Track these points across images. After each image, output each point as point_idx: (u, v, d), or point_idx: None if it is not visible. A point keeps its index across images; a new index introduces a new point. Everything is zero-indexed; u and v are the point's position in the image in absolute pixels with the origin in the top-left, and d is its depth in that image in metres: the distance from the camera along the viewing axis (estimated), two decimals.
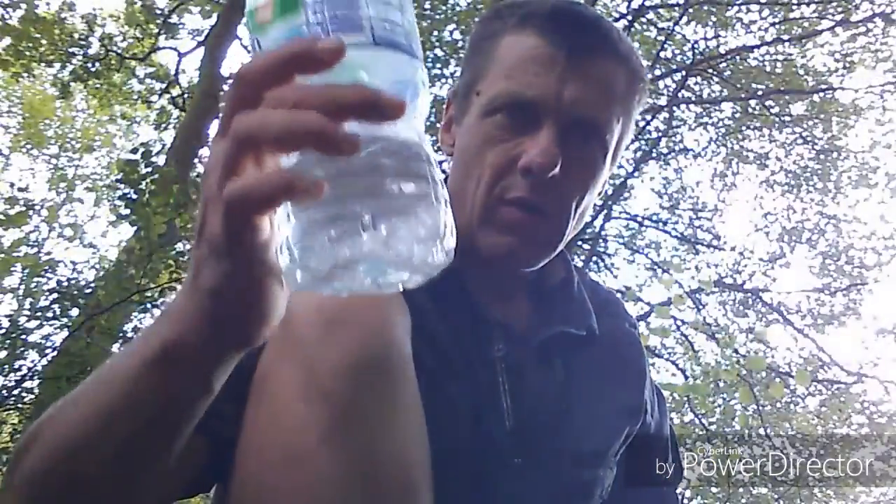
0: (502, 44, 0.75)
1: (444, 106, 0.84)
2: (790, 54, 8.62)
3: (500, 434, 0.70)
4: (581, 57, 0.72)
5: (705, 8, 8.13)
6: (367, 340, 0.49)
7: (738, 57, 8.59)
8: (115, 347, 5.07)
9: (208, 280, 0.39)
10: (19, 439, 0.52)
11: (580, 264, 9.31)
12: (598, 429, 0.77)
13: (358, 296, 0.39)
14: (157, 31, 8.19)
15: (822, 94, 8.61)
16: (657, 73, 8.80)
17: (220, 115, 0.38)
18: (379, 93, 0.35)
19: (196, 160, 6.85)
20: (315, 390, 0.48)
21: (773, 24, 8.45)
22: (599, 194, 0.84)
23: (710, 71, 8.57)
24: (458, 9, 8.79)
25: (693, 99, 9.07)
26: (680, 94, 8.77)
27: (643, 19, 8.53)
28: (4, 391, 4.69)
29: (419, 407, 0.52)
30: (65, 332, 4.77)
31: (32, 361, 4.72)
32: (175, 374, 0.42)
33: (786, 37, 8.41)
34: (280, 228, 0.39)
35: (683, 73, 8.50)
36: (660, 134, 9.44)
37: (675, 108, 9.00)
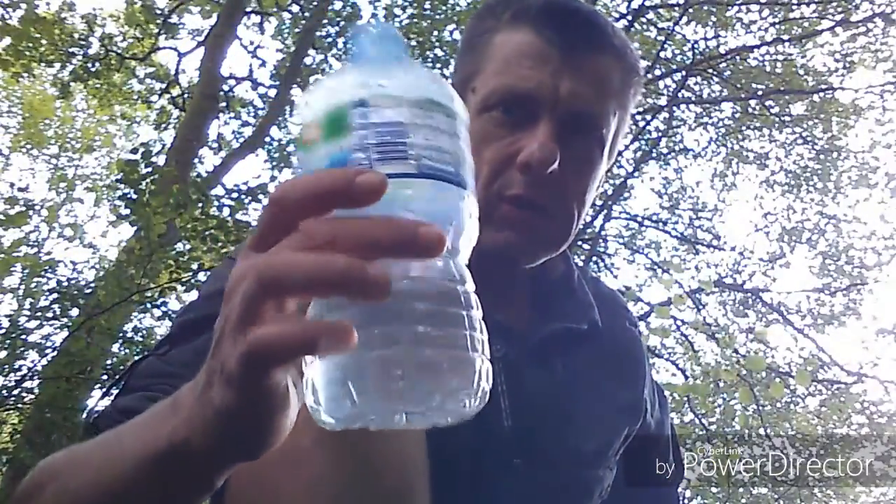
0: (496, 40, 0.75)
1: None
2: (790, 54, 8.63)
3: (500, 434, 0.70)
4: (576, 52, 0.72)
5: (705, 8, 8.13)
6: None
7: (738, 57, 8.59)
8: (115, 347, 5.07)
9: (217, 399, 0.38)
10: (22, 486, 0.52)
11: (580, 264, 9.29)
12: (597, 428, 0.77)
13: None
14: (157, 31, 8.19)
15: (822, 94, 8.60)
16: (657, 73, 8.80)
17: (255, 231, 0.37)
18: (417, 230, 0.33)
19: (196, 160, 6.85)
20: None
21: (773, 24, 8.45)
22: (598, 189, 0.83)
23: (710, 71, 8.57)
24: (458, 9, 8.78)
25: (693, 99, 9.07)
26: (680, 94, 8.77)
27: (643, 19, 8.53)
28: (4, 391, 4.69)
29: None
30: (65, 332, 4.77)
31: (32, 361, 4.72)
32: (180, 470, 0.42)
33: (786, 37, 8.41)
34: (305, 366, 0.38)
35: (683, 73, 8.50)
36: (660, 134, 9.44)
37: (675, 108, 9.00)
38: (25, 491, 0.51)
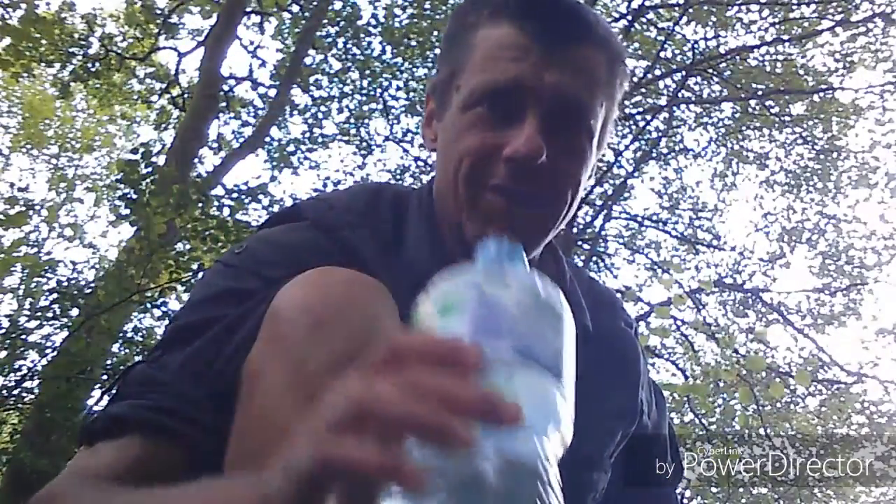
0: (477, 37, 0.74)
1: (425, 101, 0.84)
2: (790, 54, 8.63)
3: None
4: (558, 43, 0.71)
5: (705, 8, 8.13)
6: (352, 340, 0.49)
7: (738, 57, 8.59)
8: (115, 347, 5.07)
9: (267, 488, 0.41)
10: None
11: (580, 264, 9.32)
12: (591, 433, 0.74)
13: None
14: (157, 31, 8.19)
15: (822, 94, 8.60)
16: (657, 73, 8.79)
17: (370, 366, 0.39)
18: (498, 401, 0.36)
19: (196, 160, 6.85)
20: (303, 389, 0.48)
21: (773, 24, 8.45)
22: (590, 179, 0.82)
23: (710, 71, 8.56)
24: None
25: (693, 99, 9.07)
26: (680, 94, 8.77)
27: (643, 19, 8.53)
28: (4, 391, 4.69)
29: None
30: (65, 332, 4.77)
31: (32, 361, 4.72)
32: None
33: (786, 37, 8.41)
34: None
35: (683, 73, 8.49)
36: (660, 134, 9.44)
37: (675, 108, 9.00)
38: None
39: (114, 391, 0.66)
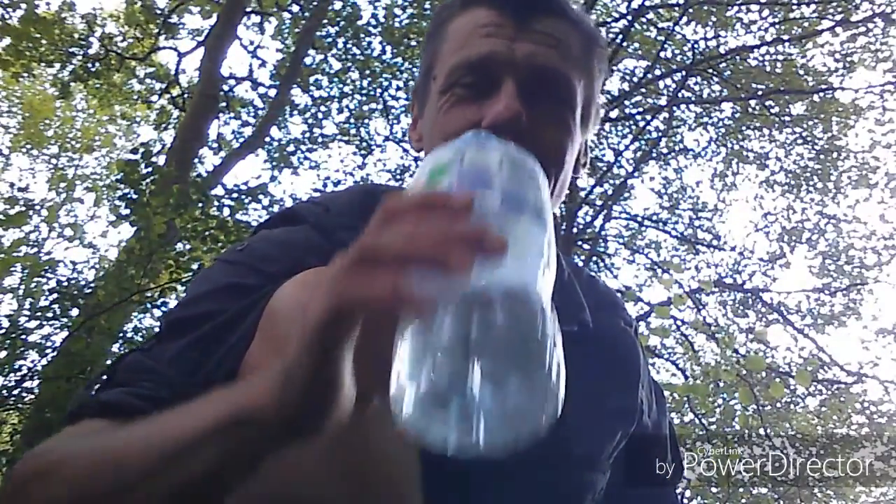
0: (451, 26, 0.76)
1: (410, 108, 0.85)
2: (790, 54, 8.63)
3: None
4: (530, 17, 0.72)
5: (705, 8, 8.12)
6: None
7: (738, 57, 8.59)
8: (115, 347, 5.07)
9: (288, 367, 0.43)
10: (13, 472, 0.53)
11: (580, 264, 9.30)
12: (589, 432, 0.75)
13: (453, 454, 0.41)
14: (157, 31, 8.19)
15: (822, 94, 8.60)
16: (657, 73, 8.79)
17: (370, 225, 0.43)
18: (486, 230, 0.39)
19: (196, 160, 6.85)
20: None
21: (773, 24, 8.45)
22: (583, 166, 0.83)
23: (710, 71, 8.56)
24: None
25: (693, 99, 9.07)
26: (680, 94, 8.76)
27: (643, 19, 8.53)
28: (4, 391, 4.69)
29: None
30: (65, 332, 4.77)
31: (32, 361, 4.72)
32: (240, 436, 0.45)
33: (786, 37, 8.41)
34: (395, 357, 0.41)
35: (683, 73, 8.49)
36: (660, 134, 9.44)
37: (675, 108, 9.00)
38: (18, 481, 0.52)
39: (105, 377, 0.65)
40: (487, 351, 0.38)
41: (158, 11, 8.21)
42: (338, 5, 8.81)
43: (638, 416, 0.81)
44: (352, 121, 9.30)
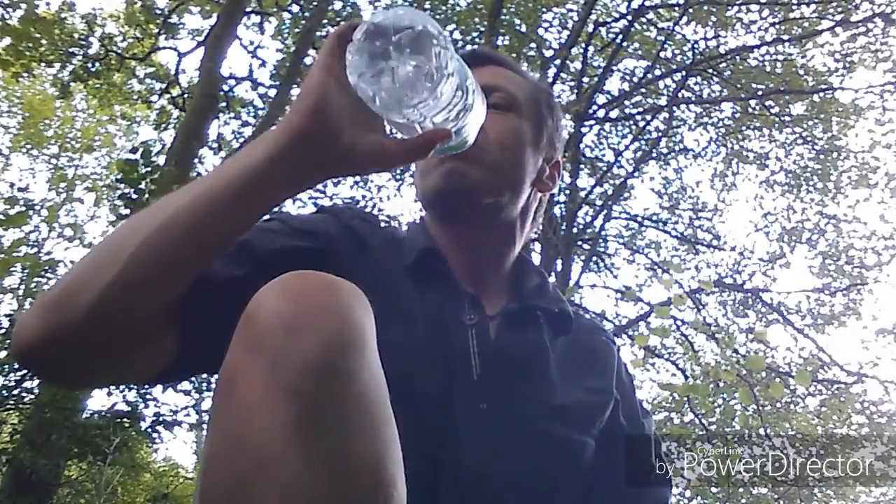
0: None
1: None
2: (790, 54, 8.63)
3: (467, 383, 0.78)
4: (481, 64, 0.89)
5: (705, 8, 8.13)
6: (326, 345, 0.49)
7: (738, 57, 8.60)
8: None
9: (296, 103, 0.62)
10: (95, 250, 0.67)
11: (580, 264, 9.33)
12: (563, 388, 0.83)
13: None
14: (157, 31, 8.19)
15: (822, 94, 8.61)
16: (657, 73, 8.80)
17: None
18: None
19: (196, 160, 6.85)
20: (281, 392, 0.48)
21: (773, 24, 8.45)
22: (550, 190, 0.96)
23: (710, 71, 8.57)
24: (458, 9, 8.79)
25: (693, 99, 9.07)
26: (680, 94, 8.77)
27: (643, 19, 8.54)
28: (4, 391, 4.69)
29: (387, 407, 0.52)
30: None
31: None
32: (272, 171, 0.62)
33: (786, 37, 8.42)
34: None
35: (683, 73, 8.50)
36: (660, 134, 9.45)
37: (675, 108, 9.01)
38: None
39: None
40: (392, 49, 0.58)
41: (158, 11, 8.21)
42: (338, 5, 8.83)
43: (612, 401, 0.89)
44: None
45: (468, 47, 6.32)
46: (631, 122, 9.12)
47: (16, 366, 4.62)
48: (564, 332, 0.89)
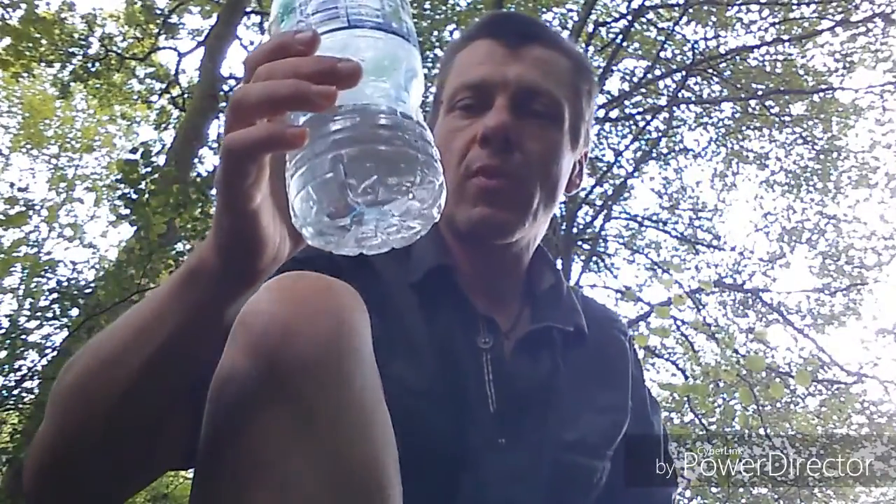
0: (456, 59, 0.88)
1: None
2: (790, 54, 8.62)
3: (484, 417, 0.75)
4: (519, 44, 0.83)
5: (705, 8, 8.13)
6: (322, 347, 0.49)
7: (738, 57, 8.59)
8: None
9: (215, 217, 0.49)
10: (63, 367, 0.62)
11: (580, 264, 9.33)
12: (580, 419, 0.81)
13: (345, 253, 0.48)
14: (157, 31, 8.18)
15: (822, 94, 8.60)
16: (657, 73, 8.80)
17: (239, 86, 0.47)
18: (336, 63, 0.42)
19: (196, 160, 6.85)
20: (277, 393, 0.48)
21: (773, 24, 8.45)
22: (577, 177, 0.91)
23: (710, 71, 8.57)
24: (458, 9, 8.78)
25: (693, 99, 9.07)
26: (680, 94, 8.77)
27: (643, 19, 8.53)
28: (4, 391, 4.69)
29: (383, 408, 0.52)
30: (65, 332, 4.77)
31: (32, 361, 4.72)
32: (195, 289, 0.52)
33: (786, 37, 8.41)
34: (288, 185, 0.47)
35: (683, 73, 8.50)
36: (660, 134, 9.44)
37: (675, 108, 9.00)
38: (63, 370, 0.62)
39: None
40: (361, 169, 0.43)
41: (158, 11, 8.21)
42: None
43: (629, 414, 0.87)
44: None
45: None
46: (631, 122, 9.11)
47: (16, 366, 4.62)
48: (579, 346, 0.86)
